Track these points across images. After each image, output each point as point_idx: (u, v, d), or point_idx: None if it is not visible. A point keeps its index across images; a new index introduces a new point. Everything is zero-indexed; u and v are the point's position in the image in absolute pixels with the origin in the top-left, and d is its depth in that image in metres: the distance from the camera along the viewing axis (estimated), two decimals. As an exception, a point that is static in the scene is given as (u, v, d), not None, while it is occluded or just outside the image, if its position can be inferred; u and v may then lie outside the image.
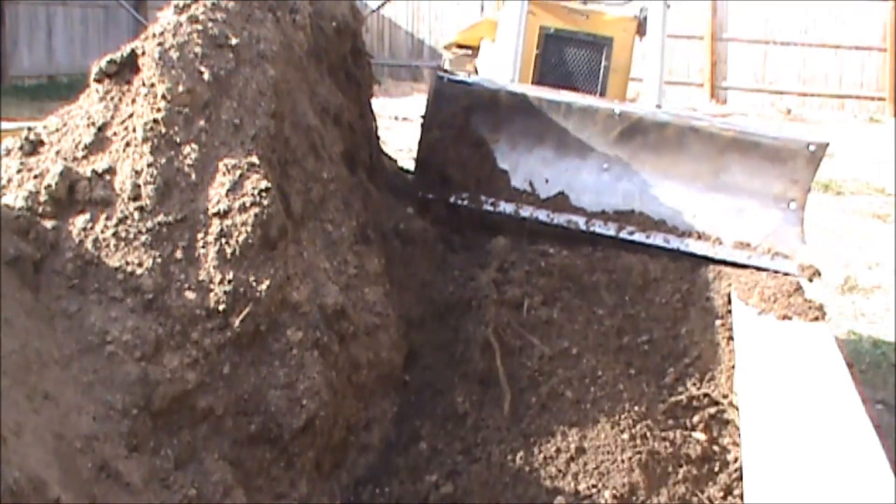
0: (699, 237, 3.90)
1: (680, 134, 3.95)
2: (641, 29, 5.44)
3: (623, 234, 3.91)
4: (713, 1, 17.53)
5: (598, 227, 3.92)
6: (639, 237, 3.90)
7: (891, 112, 16.85)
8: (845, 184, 11.54)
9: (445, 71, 4.64)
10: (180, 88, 2.74)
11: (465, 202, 3.98)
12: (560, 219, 3.95)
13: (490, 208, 3.97)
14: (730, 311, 3.52)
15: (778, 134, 4.05)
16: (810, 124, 16.15)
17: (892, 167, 11.59)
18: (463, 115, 3.98)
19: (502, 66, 5.02)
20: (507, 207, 3.96)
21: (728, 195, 3.94)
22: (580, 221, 3.94)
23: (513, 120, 4.02)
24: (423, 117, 4.04)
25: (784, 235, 3.88)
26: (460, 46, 6.88)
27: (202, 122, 2.76)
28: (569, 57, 5.37)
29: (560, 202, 3.99)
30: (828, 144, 3.94)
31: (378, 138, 4.24)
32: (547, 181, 4.02)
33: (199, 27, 2.88)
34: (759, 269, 3.79)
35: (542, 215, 3.96)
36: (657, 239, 3.90)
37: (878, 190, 11.32)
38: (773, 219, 3.91)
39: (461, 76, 4.24)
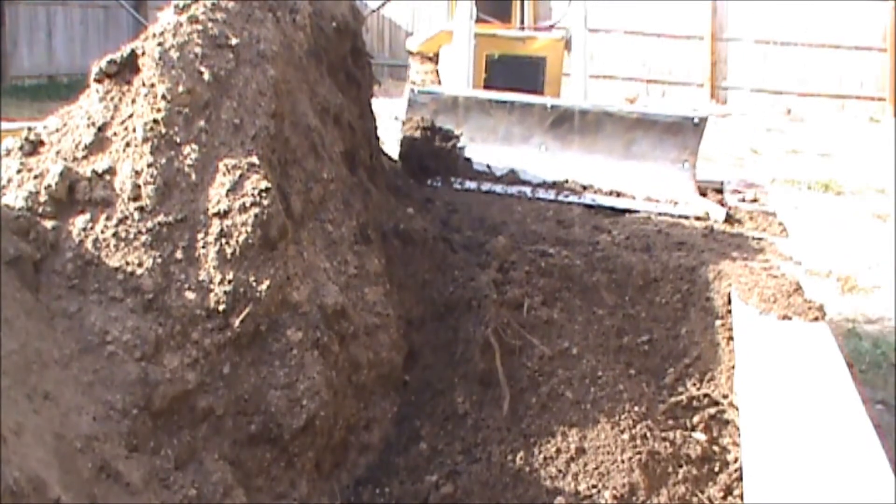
0: (617, 195, 4.95)
1: (597, 118, 5.12)
2: (568, 46, 7.06)
3: (560, 198, 4.89)
4: (713, 1, 17.52)
5: (541, 194, 4.90)
6: (572, 199, 4.88)
7: (891, 112, 16.82)
8: (845, 184, 11.53)
9: (415, 83, 6.08)
10: (180, 88, 2.74)
11: (439, 184, 4.86)
12: (512, 190, 4.91)
13: (458, 187, 4.88)
14: (730, 311, 3.52)
15: (670, 112, 5.25)
16: (810, 124, 16.12)
17: (892, 167, 11.57)
18: (432, 117, 4.97)
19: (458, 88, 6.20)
20: (471, 185, 4.92)
21: (637, 162, 5.07)
22: (527, 191, 4.92)
23: (470, 118, 5.12)
24: (402, 121, 4.97)
25: (681, 188, 4.99)
26: (422, 53, 8.34)
27: (202, 122, 2.76)
28: (511, 77, 6.82)
29: (511, 178, 5.02)
30: (707, 118, 5.15)
31: (378, 138, 4.26)
32: (500, 162, 5.07)
33: (199, 27, 2.88)
34: (666, 214, 4.75)
35: (499, 189, 4.91)
36: (586, 199, 4.89)
37: (878, 190, 11.30)
38: (671, 177, 5.03)
39: (428, 88, 5.48)
